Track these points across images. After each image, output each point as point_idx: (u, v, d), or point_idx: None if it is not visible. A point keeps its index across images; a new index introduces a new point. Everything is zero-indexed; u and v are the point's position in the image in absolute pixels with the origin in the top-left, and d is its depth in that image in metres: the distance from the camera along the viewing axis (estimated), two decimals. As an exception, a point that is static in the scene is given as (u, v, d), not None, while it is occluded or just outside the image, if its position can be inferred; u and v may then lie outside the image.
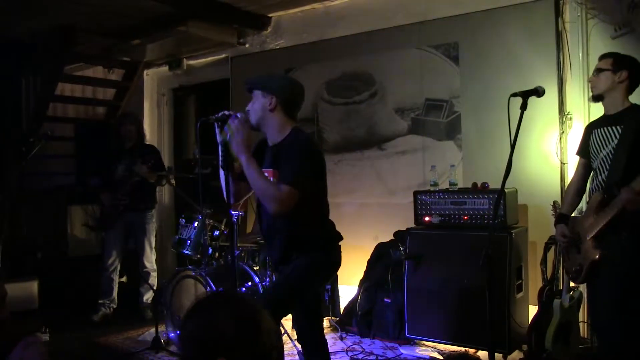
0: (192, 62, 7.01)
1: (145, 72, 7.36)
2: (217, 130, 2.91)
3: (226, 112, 2.87)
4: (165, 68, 7.19)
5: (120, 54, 6.94)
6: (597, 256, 3.25)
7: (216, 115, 2.89)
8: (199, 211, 5.02)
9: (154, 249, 5.82)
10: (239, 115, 2.87)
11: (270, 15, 6.25)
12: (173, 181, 5.31)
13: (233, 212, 4.78)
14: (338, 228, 3.17)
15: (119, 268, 5.80)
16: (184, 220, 5.13)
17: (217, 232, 5.08)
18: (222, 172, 2.90)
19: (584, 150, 3.55)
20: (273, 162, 2.95)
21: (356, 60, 5.72)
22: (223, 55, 6.71)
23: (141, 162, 5.38)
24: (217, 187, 3.22)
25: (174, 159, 7.06)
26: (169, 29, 5.80)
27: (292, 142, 2.89)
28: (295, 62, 6.13)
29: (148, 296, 5.80)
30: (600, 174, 3.35)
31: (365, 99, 5.69)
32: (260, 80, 3.02)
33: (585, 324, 4.43)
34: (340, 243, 3.12)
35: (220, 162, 2.86)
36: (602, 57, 3.47)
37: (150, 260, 5.76)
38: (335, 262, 3.09)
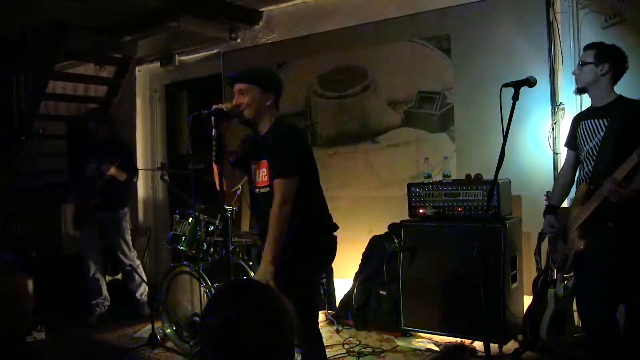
0: (183, 57, 6.98)
1: (137, 68, 7.32)
2: (212, 124, 2.94)
3: (220, 106, 2.89)
4: (157, 64, 7.14)
5: (111, 51, 6.91)
6: (582, 246, 3.25)
7: (208, 110, 2.90)
8: (193, 207, 4.96)
9: (131, 246, 5.74)
10: (227, 105, 2.88)
11: (261, 9, 6.23)
12: (167, 177, 5.25)
13: (227, 207, 4.84)
14: (334, 220, 3.20)
15: (101, 266, 5.74)
16: (178, 216, 5.08)
17: (211, 228, 5.04)
18: (215, 167, 2.95)
19: (572, 142, 3.55)
20: (264, 153, 2.99)
21: (348, 53, 5.71)
22: (215, 51, 6.69)
23: (108, 161, 5.30)
24: (211, 182, 3.20)
25: (167, 155, 7.01)
26: (160, 25, 5.78)
27: (278, 132, 2.96)
28: (287, 57, 6.12)
29: (142, 291, 5.75)
30: (587, 165, 3.36)
31: (358, 92, 5.68)
32: (257, 75, 3.04)
33: (580, 313, 4.42)
34: (335, 235, 3.16)
35: (214, 157, 2.89)
36: (586, 48, 3.44)
37: (130, 257, 5.68)
38: (330, 249, 3.13)
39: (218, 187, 3.03)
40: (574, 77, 3.50)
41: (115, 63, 7.25)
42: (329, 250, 3.12)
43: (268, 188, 2.94)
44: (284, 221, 2.81)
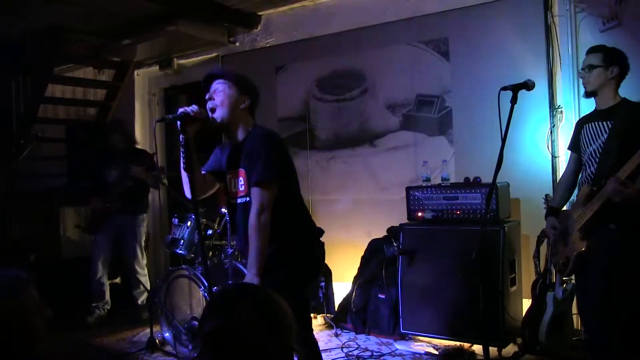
0: (182, 61, 6.97)
1: (135, 72, 7.30)
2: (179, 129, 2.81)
3: (187, 109, 2.75)
4: (155, 68, 7.13)
5: (110, 54, 6.88)
6: (584, 248, 3.24)
7: (174, 115, 2.78)
8: (192, 210, 4.96)
9: (144, 254, 5.78)
10: (195, 108, 2.75)
11: (260, 13, 6.23)
12: (165, 181, 5.25)
13: (225, 209, 4.82)
14: (331, 225, 3.25)
15: (108, 271, 5.75)
16: (176, 219, 5.09)
17: (210, 231, 5.06)
18: (185, 174, 2.78)
19: (575, 145, 3.55)
20: (239, 161, 2.87)
21: (347, 57, 5.72)
22: (214, 54, 6.67)
23: (137, 164, 5.31)
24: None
25: (165, 159, 6.99)
26: (159, 29, 5.77)
27: (256, 138, 2.84)
28: (285, 60, 6.12)
29: (143, 298, 5.77)
30: (590, 167, 3.35)
31: (357, 95, 5.68)
32: (235, 75, 2.96)
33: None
34: (332, 240, 3.16)
35: (182, 165, 2.74)
36: (591, 52, 3.45)
37: (141, 265, 5.71)
38: (318, 256, 3.01)
39: (187, 196, 2.87)
40: (580, 80, 3.50)
41: (115, 66, 7.22)
42: (317, 257, 3.02)
43: (247, 198, 2.82)
44: (264, 230, 2.68)
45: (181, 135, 2.72)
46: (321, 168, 5.88)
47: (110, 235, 5.64)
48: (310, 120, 5.98)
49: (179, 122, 2.71)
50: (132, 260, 5.65)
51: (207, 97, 2.83)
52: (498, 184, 4.18)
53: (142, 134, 7.09)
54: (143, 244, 5.76)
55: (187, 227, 4.99)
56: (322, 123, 5.93)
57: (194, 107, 2.74)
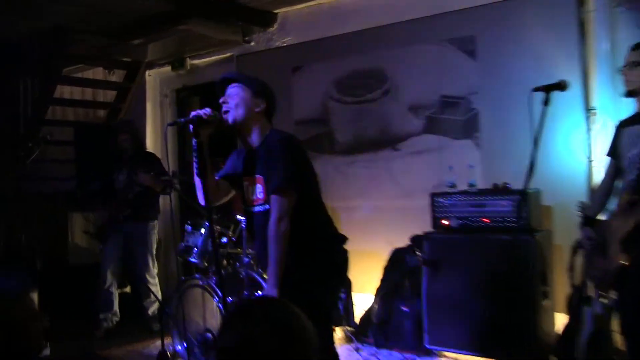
0: (195, 61, 6.79)
1: (147, 72, 7.13)
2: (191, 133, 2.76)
3: (200, 112, 2.70)
4: (167, 68, 6.96)
5: (120, 55, 6.74)
6: (624, 261, 3.06)
7: (186, 118, 2.72)
8: (206, 217, 4.70)
9: (155, 262, 5.61)
10: (208, 111, 2.70)
11: (276, 11, 6.06)
12: (178, 186, 5.08)
13: (240, 218, 4.69)
14: (351, 232, 3.02)
15: (117, 280, 5.61)
16: (190, 227, 4.92)
17: (225, 239, 4.90)
18: (198, 180, 2.74)
19: (614, 150, 3.36)
20: (257, 168, 2.80)
21: (367, 56, 5.52)
22: (228, 54, 6.50)
23: (144, 171, 5.16)
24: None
25: (178, 163, 6.83)
26: (170, 28, 5.61)
27: (273, 142, 2.75)
28: (302, 60, 5.94)
29: (154, 308, 5.58)
30: (630, 174, 3.15)
31: (378, 97, 5.49)
32: (249, 79, 2.92)
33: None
34: (353, 248, 2.95)
35: (195, 170, 2.70)
36: (636, 48, 3.20)
37: (152, 274, 5.55)
38: (342, 264, 2.91)
39: (200, 202, 2.84)
40: (618, 80, 3.26)
41: (125, 67, 7.06)
42: (337, 263, 2.90)
43: (265, 206, 2.74)
44: (283, 239, 2.62)
45: (194, 140, 2.68)
46: (341, 173, 5.69)
47: (119, 243, 5.49)
48: (329, 123, 5.80)
49: (191, 126, 2.67)
50: (143, 269, 5.48)
51: (221, 100, 2.80)
52: (529, 191, 4.00)
53: (153, 137, 6.95)
54: (154, 252, 5.59)
55: (201, 235, 4.83)
56: (341, 126, 5.74)
57: (207, 110, 2.69)
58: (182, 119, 2.71)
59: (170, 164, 6.52)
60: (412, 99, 5.30)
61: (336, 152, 5.74)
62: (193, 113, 2.68)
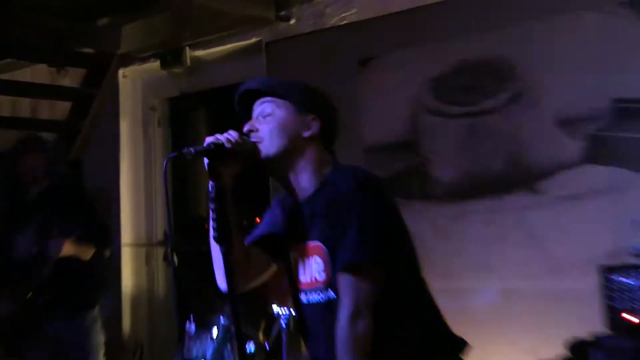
0: (199, 53, 5.27)
1: (121, 71, 5.57)
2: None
3: (220, 138, 2.02)
4: (155, 64, 5.40)
5: (78, 43, 5.29)
6: None
7: (197, 148, 2.01)
8: (222, 309, 3.94)
9: None
10: (233, 136, 2.09)
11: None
12: (173, 257, 3.76)
13: (277, 309, 3.91)
14: (463, 333, 2.24)
15: None
16: (193, 324, 4.05)
17: (251, 347, 3.99)
18: (216, 248, 2.09)
19: None
20: (313, 230, 2.13)
21: (483, 39, 4.19)
22: (252, 40, 4.98)
23: (59, 232, 3.81)
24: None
25: (173, 220, 5.27)
26: (159, 2, 4.39)
27: (339, 187, 2.09)
28: (375, 48, 4.56)
29: None
30: None
31: (502, 104, 4.13)
32: (291, 87, 2.25)
33: None
34: (465, 354, 2.22)
35: (211, 232, 2.01)
36: None
37: None
38: None
39: (219, 285, 2.16)
40: None
41: (85, 63, 5.47)
42: None
43: (329, 293, 2.10)
44: (362, 346, 1.99)
45: (211, 183, 2.02)
46: (441, 233, 4.36)
47: (43, 355, 4.08)
48: (421, 150, 4.43)
49: (206, 160, 2.05)
50: None
51: (246, 128, 2.17)
52: None
53: (131, 175, 5.53)
54: None
55: (212, 340, 3.95)
56: (442, 153, 4.39)
57: (232, 134, 2.08)
58: (192, 149, 2.03)
59: (160, 222, 5.32)
60: (562, 106, 4.03)
61: (434, 198, 4.37)
62: (209, 139, 2.06)
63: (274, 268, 2.36)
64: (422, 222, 4.30)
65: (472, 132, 4.29)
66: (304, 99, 2.26)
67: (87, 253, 3.86)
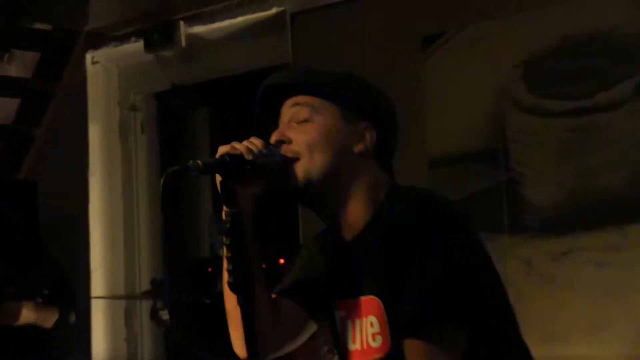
0: (199, 29, 4.37)
1: (89, 55, 4.65)
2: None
3: (236, 148, 1.65)
4: (136, 45, 4.49)
5: (30, 18, 4.48)
6: None
7: (207, 161, 1.59)
8: None
9: None
10: (256, 143, 1.69)
11: None
12: (164, 314, 3.22)
13: None
14: None
15: None
16: None
17: None
18: (231, 298, 1.76)
19: None
20: (365, 279, 1.78)
21: (597, 6, 3.42)
22: (273, 11, 4.11)
23: (13, 292, 3.26)
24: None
25: (163, 264, 4.51)
26: None
27: (401, 224, 1.72)
28: (447, 19, 3.81)
29: None
30: None
31: (626, 97, 3.33)
32: (336, 81, 1.81)
33: None
34: None
35: (226, 276, 1.59)
36: None
37: None
38: None
39: (239, 350, 1.72)
40: None
41: (39, 44, 4.66)
42: None
43: None
44: None
45: (226, 209, 1.64)
46: (540, 278, 3.63)
47: None
48: (511, 161, 3.64)
49: (219, 178, 1.70)
50: None
51: (274, 138, 1.78)
52: None
53: (103, 205, 4.60)
54: None
55: None
56: (539, 167, 3.62)
57: (255, 143, 1.75)
58: (200, 162, 1.60)
59: (147, 268, 4.38)
60: None
61: (527, 230, 3.55)
62: (223, 149, 1.66)
63: (313, 328, 1.97)
64: (513, 264, 3.57)
65: (578, 136, 3.48)
66: (354, 99, 1.86)
67: (47, 319, 3.25)
